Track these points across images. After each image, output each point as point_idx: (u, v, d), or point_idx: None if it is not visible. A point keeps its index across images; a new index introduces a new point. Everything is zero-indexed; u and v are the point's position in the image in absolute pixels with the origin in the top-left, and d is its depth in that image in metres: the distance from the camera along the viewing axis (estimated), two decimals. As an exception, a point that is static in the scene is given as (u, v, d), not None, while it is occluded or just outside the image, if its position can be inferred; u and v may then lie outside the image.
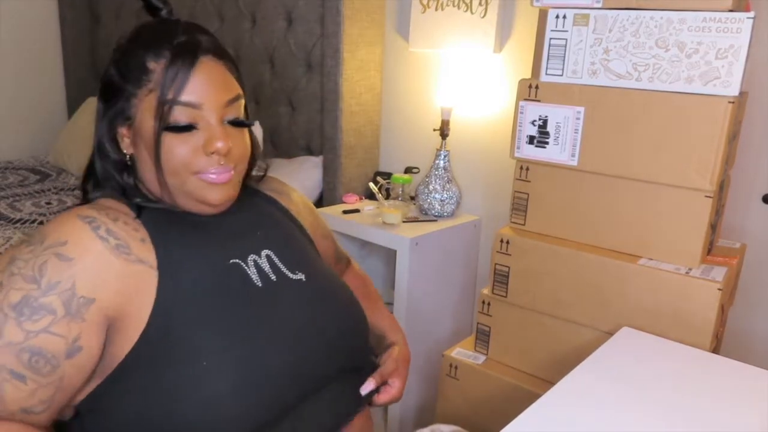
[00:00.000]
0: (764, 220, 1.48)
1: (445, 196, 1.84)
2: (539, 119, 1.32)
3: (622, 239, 1.28)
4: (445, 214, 1.86)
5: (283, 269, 0.86)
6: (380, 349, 1.01)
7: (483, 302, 1.47)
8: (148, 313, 0.73)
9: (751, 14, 1.08)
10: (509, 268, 1.39)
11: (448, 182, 1.84)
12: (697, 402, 0.92)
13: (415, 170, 2.00)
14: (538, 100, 1.31)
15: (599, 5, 1.22)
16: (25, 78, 3.15)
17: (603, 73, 1.24)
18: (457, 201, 1.87)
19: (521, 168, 1.38)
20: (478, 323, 1.50)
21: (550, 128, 1.31)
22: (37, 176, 2.73)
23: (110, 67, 0.80)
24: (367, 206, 1.96)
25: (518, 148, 1.36)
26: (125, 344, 0.72)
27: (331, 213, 1.90)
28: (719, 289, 1.15)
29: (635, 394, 0.93)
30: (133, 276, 0.73)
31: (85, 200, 0.84)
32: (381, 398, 0.91)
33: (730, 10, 1.09)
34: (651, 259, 1.25)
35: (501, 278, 1.41)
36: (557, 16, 1.27)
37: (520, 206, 1.40)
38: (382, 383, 0.92)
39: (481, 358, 1.49)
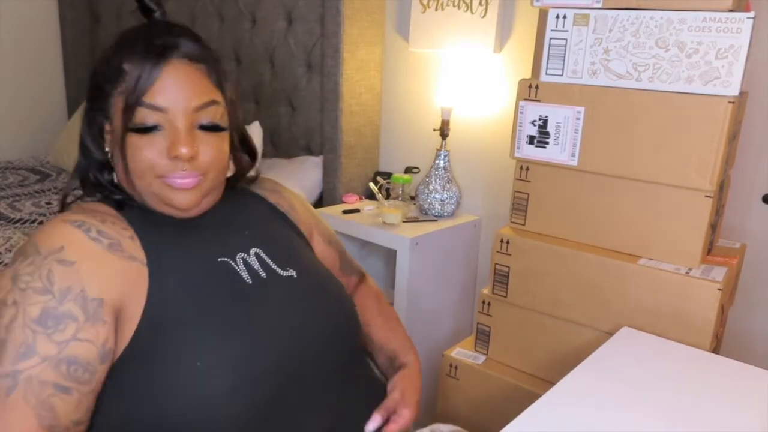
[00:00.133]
0: (764, 220, 1.48)
1: (445, 196, 1.84)
2: (539, 119, 1.32)
3: (622, 239, 1.28)
4: (445, 214, 1.86)
5: (273, 266, 0.86)
6: (391, 371, 0.97)
7: (483, 302, 1.47)
8: (141, 310, 0.73)
9: (751, 14, 1.08)
10: (509, 268, 1.39)
11: (448, 182, 1.84)
12: (697, 402, 0.92)
13: (415, 170, 2.00)
14: (538, 100, 1.31)
15: (599, 5, 1.22)
16: (25, 78, 3.15)
17: (603, 73, 1.24)
18: (457, 201, 1.87)
19: (521, 168, 1.38)
20: (478, 323, 1.50)
21: (550, 128, 1.31)
22: (37, 176, 2.73)
23: (94, 67, 0.81)
24: (367, 206, 1.96)
25: (518, 148, 1.36)
26: (123, 340, 0.73)
27: (331, 213, 1.90)
28: (719, 289, 1.15)
29: (635, 394, 0.93)
30: (129, 272, 0.74)
31: (63, 205, 0.84)
32: (390, 429, 0.85)
33: (730, 10, 1.09)
34: (651, 259, 1.25)
35: (501, 278, 1.41)
36: (557, 16, 1.27)
37: (520, 206, 1.40)
38: (391, 413, 0.87)
39: (481, 358, 1.49)
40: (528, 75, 1.37)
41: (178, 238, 0.81)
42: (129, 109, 0.75)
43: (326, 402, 0.85)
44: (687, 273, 1.19)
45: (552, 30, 1.28)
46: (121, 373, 0.72)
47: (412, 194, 1.94)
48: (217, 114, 0.80)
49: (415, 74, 2.05)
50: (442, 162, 1.84)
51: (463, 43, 1.84)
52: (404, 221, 1.81)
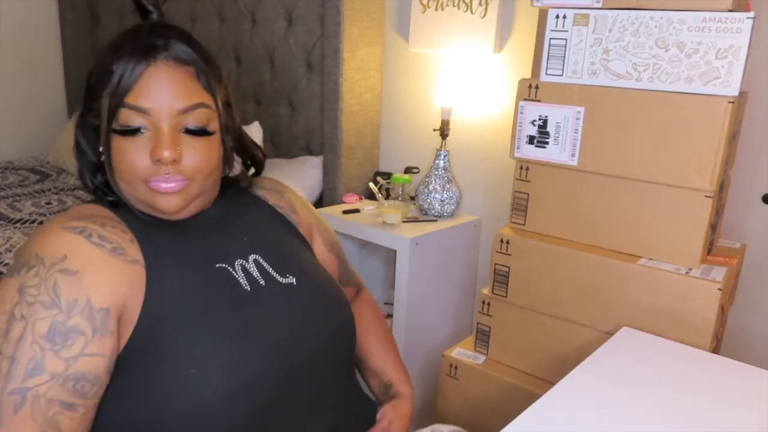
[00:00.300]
0: (764, 220, 1.48)
1: (445, 196, 1.84)
2: (539, 119, 1.32)
3: (622, 239, 1.28)
4: (445, 214, 1.86)
5: (273, 273, 0.85)
6: (384, 397, 0.99)
7: (483, 302, 1.47)
8: (138, 313, 0.73)
9: (751, 14, 1.08)
10: (509, 268, 1.39)
11: (448, 182, 1.84)
12: (697, 402, 0.92)
13: (415, 170, 2.00)
14: (538, 100, 1.31)
15: (599, 5, 1.22)
16: (25, 78, 3.15)
17: (603, 73, 1.24)
18: (457, 201, 1.87)
19: (521, 168, 1.38)
20: (478, 323, 1.50)
21: (550, 128, 1.31)
22: (37, 176, 2.73)
23: (90, 68, 0.80)
24: (367, 206, 1.96)
25: (518, 148, 1.36)
26: (121, 342, 0.72)
27: (331, 213, 1.90)
28: (719, 289, 1.15)
29: (635, 394, 0.93)
30: (131, 276, 0.73)
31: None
32: None
33: (730, 10, 1.09)
34: (651, 259, 1.25)
35: (501, 278, 1.41)
36: (557, 16, 1.27)
37: (520, 206, 1.40)
38: None
39: (481, 358, 1.49)
40: (528, 75, 1.37)
41: (175, 242, 0.80)
42: (112, 109, 0.74)
43: (324, 405, 0.85)
44: (687, 273, 1.19)
45: (552, 30, 1.28)
46: (119, 374, 0.72)
47: (412, 194, 1.94)
48: (205, 117, 0.78)
49: (415, 74, 2.05)
50: (442, 162, 1.84)
51: (463, 43, 1.84)
52: (404, 221, 1.81)
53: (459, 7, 1.83)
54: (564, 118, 1.29)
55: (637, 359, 1.06)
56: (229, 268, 0.82)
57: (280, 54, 2.27)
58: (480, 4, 1.78)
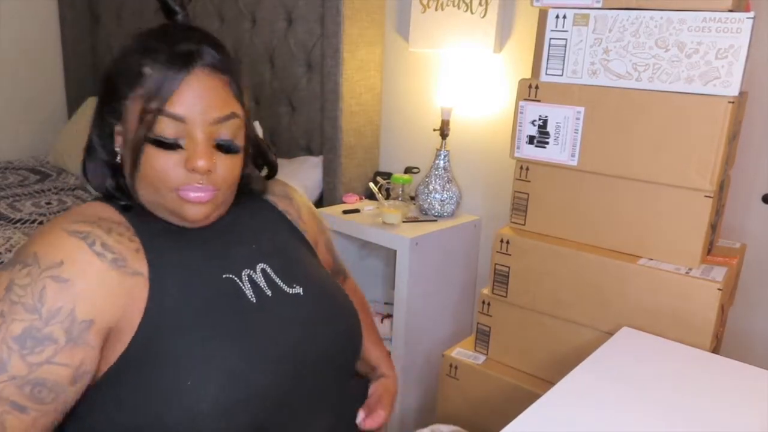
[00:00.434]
0: (764, 220, 1.48)
1: (445, 196, 1.84)
2: (539, 119, 1.32)
3: (622, 239, 1.28)
4: (445, 214, 1.86)
5: (280, 283, 0.84)
6: (372, 378, 1.00)
7: (483, 302, 1.47)
8: (137, 325, 0.72)
9: (751, 14, 1.08)
10: (509, 268, 1.39)
11: (448, 182, 1.84)
12: (697, 402, 0.92)
13: (415, 170, 2.00)
14: (538, 100, 1.32)
15: (599, 5, 1.22)
16: (25, 78, 3.15)
17: (603, 73, 1.24)
18: (457, 201, 1.87)
19: (521, 168, 1.38)
20: (478, 323, 1.50)
21: (550, 128, 1.31)
22: (37, 176, 2.73)
23: (110, 66, 0.78)
24: (367, 206, 1.96)
25: (518, 148, 1.36)
26: (112, 355, 0.72)
27: (331, 213, 1.90)
28: (719, 289, 1.15)
29: (635, 394, 0.93)
30: (128, 288, 0.72)
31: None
32: (367, 423, 0.90)
33: (730, 10, 1.09)
34: (651, 259, 1.25)
35: (501, 278, 1.41)
36: (557, 16, 1.27)
37: (520, 206, 1.40)
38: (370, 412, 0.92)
39: (481, 358, 1.49)
40: (528, 75, 1.37)
41: (184, 249, 0.79)
42: (148, 116, 0.73)
43: (324, 405, 0.85)
44: (687, 273, 1.19)
45: (552, 30, 1.28)
46: (114, 382, 0.72)
47: (412, 194, 1.94)
48: (235, 127, 0.79)
49: (415, 74, 2.05)
50: (442, 162, 1.84)
51: (463, 43, 1.84)
52: (404, 221, 1.81)
53: (459, 7, 1.83)
54: (564, 118, 1.29)
55: (637, 359, 1.06)
56: (236, 279, 0.81)
57: (280, 54, 2.27)
58: (480, 4, 1.78)
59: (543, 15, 1.29)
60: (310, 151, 2.25)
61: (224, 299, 0.78)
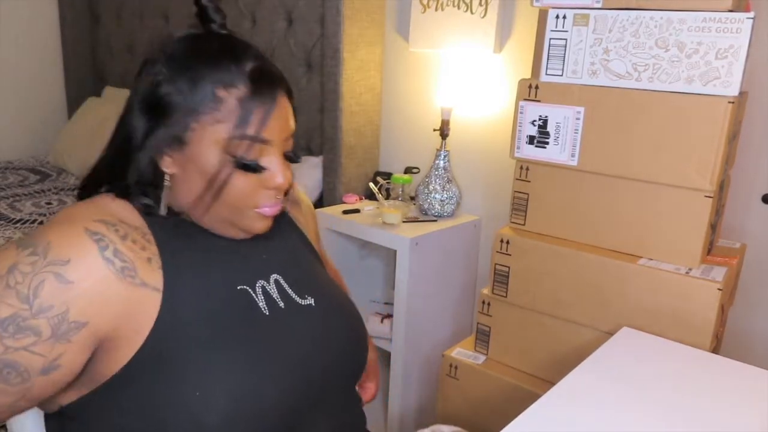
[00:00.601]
0: (764, 220, 1.48)
1: (445, 196, 1.84)
2: (539, 119, 1.32)
3: (622, 239, 1.28)
4: (445, 214, 1.86)
5: (292, 295, 0.84)
6: None
7: (483, 302, 1.47)
8: (145, 335, 0.71)
9: (751, 14, 1.08)
10: (509, 268, 1.39)
11: (448, 182, 1.84)
12: (697, 402, 0.92)
13: (415, 170, 2.00)
14: (538, 100, 1.32)
15: (599, 5, 1.22)
16: (25, 78, 3.16)
17: (603, 73, 1.24)
18: (457, 201, 1.87)
19: (521, 168, 1.38)
20: (478, 323, 1.50)
21: (550, 128, 1.31)
22: (37, 176, 2.73)
23: (163, 81, 0.73)
24: (367, 206, 1.96)
25: (518, 148, 1.36)
26: (115, 363, 0.71)
27: (331, 213, 1.90)
28: (719, 289, 1.15)
29: (635, 394, 0.93)
30: (134, 299, 0.71)
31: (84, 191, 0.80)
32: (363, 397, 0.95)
33: (730, 10, 1.09)
34: (651, 259, 1.25)
35: (501, 278, 1.41)
36: (557, 16, 1.27)
37: (520, 206, 1.40)
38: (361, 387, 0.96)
39: (481, 358, 1.49)
40: (528, 75, 1.37)
41: (201, 258, 0.79)
42: (237, 142, 0.73)
43: (328, 411, 0.85)
44: (687, 273, 1.19)
45: (552, 30, 1.28)
46: (118, 391, 0.71)
47: (412, 194, 1.94)
48: (293, 142, 0.81)
49: (415, 74, 2.05)
50: (442, 162, 1.84)
51: (463, 43, 1.84)
52: (404, 221, 1.81)
53: (459, 7, 1.83)
54: (564, 118, 1.29)
55: (637, 359, 1.06)
56: (249, 290, 0.80)
57: (280, 54, 2.27)
58: (480, 4, 1.78)
59: (543, 15, 1.29)
60: (310, 151, 2.25)
61: (237, 311, 0.78)
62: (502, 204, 1.87)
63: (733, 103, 1.11)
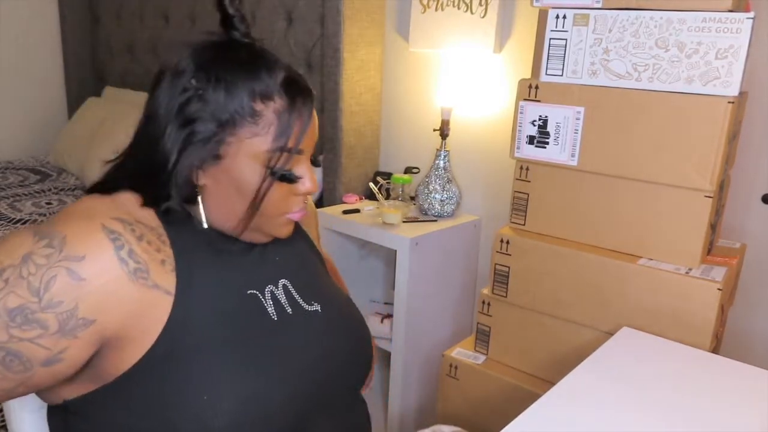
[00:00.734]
0: (764, 220, 1.48)
1: (445, 196, 1.84)
2: (539, 119, 1.32)
3: (622, 239, 1.28)
4: (445, 214, 1.86)
5: (300, 301, 0.85)
6: None
7: (483, 302, 1.47)
8: (155, 337, 0.71)
9: (751, 14, 1.08)
10: (509, 268, 1.39)
11: (448, 182, 1.84)
12: (697, 402, 0.92)
13: (415, 170, 2.00)
14: (538, 100, 1.32)
15: (599, 5, 1.22)
16: (25, 78, 3.16)
17: (603, 73, 1.24)
18: (457, 201, 1.87)
19: (521, 168, 1.38)
20: (478, 323, 1.50)
21: (550, 128, 1.31)
22: (37, 176, 2.73)
23: (194, 95, 0.72)
24: (367, 206, 1.96)
25: (518, 148, 1.36)
26: (122, 362, 0.71)
27: (331, 213, 1.90)
28: (719, 289, 1.15)
29: (635, 394, 0.93)
30: (145, 300, 0.71)
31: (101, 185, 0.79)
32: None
33: (730, 10, 1.09)
34: (651, 259, 1.25)
35: (501, 278, 1.41)
36: (557, 16, 1.27)
37: (520, 206, 1.40)
38: None
39: (481, 358, 1.49)
40: (528, 75, 1.37)
41: (215, 262, 0.79)
42: (276, 155, 0.74)
43: (333, 414, 0.85)
44: (687, 273, 1.19)
45: (552, 30, 1.28)
46: (124, 391, 0.71)
47: (412, 194, 1.94)
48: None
49: (415, 74, 2.05)
50: (442, 162, 1.84)
51: (463, 43, 1.84)
52: (404, 221, 1.81)
53: (459, 7, 1.83)
54: (564, 118, 1.29)
55: (637, 359, 1.06)
56: (259, 295, 0.81)
57: (280, 54, 2.24)
58: (480, 4, 1.78)
59: (543, 15, 1.29)
60: (310, 151, 2.25)
61: (247, 316, 0.78)
62: (502, 204, 1.87)
63: (733, 103, 1.11)
